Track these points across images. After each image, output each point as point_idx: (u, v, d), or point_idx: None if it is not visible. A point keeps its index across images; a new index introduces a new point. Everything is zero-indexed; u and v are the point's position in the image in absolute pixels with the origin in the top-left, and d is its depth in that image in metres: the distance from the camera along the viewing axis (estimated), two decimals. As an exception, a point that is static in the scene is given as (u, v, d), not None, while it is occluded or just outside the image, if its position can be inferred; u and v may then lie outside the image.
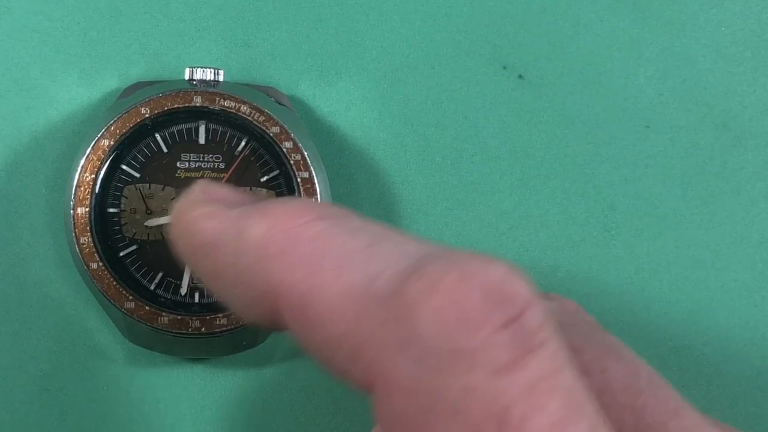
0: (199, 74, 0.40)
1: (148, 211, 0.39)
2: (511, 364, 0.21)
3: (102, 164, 0.39)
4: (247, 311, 0.25)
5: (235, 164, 0.40)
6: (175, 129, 0.40)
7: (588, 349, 0.26)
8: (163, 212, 0.39)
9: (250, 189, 0.40)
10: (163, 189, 0.39)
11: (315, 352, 0.23)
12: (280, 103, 0.41)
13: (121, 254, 0.39)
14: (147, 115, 0.39)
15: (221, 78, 0.41)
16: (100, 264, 0.38)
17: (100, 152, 0.39)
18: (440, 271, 0.21)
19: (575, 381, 0.21)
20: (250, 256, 0.23)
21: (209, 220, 0.24)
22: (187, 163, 0.40)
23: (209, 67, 0.40)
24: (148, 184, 0.39)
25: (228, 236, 0.24)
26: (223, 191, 0.26)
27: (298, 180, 0.40)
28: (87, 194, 0.39)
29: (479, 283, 0.21)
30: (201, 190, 0.26)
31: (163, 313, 0.39)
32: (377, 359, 0.22)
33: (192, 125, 0.40)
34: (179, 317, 0.39)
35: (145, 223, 0.39)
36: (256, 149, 0.40)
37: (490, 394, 0.20)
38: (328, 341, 0.23)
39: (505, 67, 0.44)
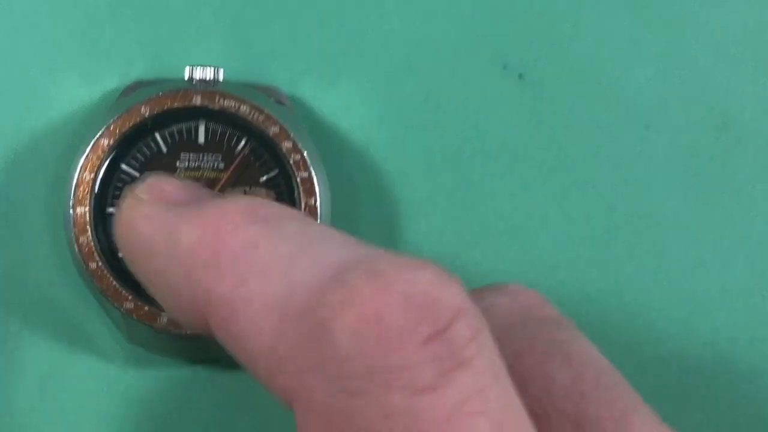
0: (198, 73, 0.40)
1: None
2: (433, 384, 0.19)
3: (101, 163, 0.39)
4: (181, 318, 0.24)
5: (234, 164, 0.40)
6: (174, 128, 0.40)
7: (532, 352, 0.24)
8: None
9: (249, 188, 0.40)
10: None
11: (242, 364, 0.23)
12: (280, 103, 0.41)
13: (121, 254, 0.39)
14: (146, 115, 0.39)
15: (221, 77, 0.40)
16: (99, 264, 0.38)
17: (99, 151, 0.39)
18: (358, 280, 0.20)
19: (506, 399, 0.20)
20: (180, 265, 0.22)
21: (145, 223, 0.24)
22: (186, 163, 0.40)
23: (209, 66, 0.40)
24: None
25: (160, 241, 0.23)
26: (170, 188, 0.25)
27: (298, 180, 0.40)
28: (86, 194, 0.38)
29: (401, 292, 0.20)
30: (145, 187, 0.25)
31: (163, 314, 0.38)
32: (293, 378, 0.21)
33: (191, 124, 0.40)
34: None
35: None
36: (255, 149, 0.40)
37: (410, 418, 0.19)
38: (250, 355, 0.22)
39: (505, 67, 0.44)
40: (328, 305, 0.20)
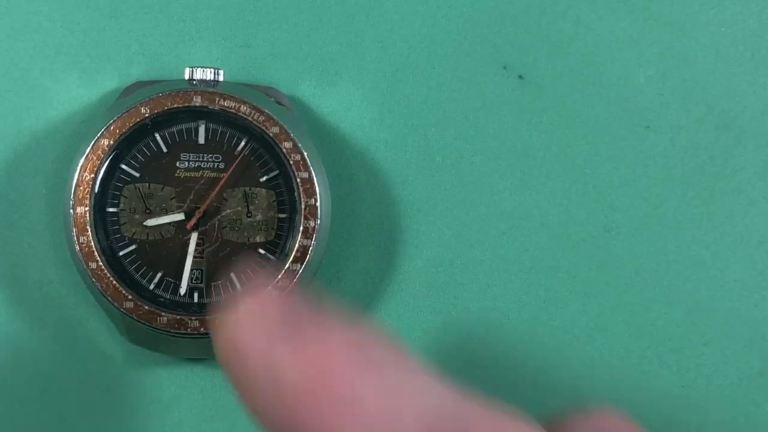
0: (199, 74, 0.40)
1: (148, 211, 0.39)
2: None
3: (102, 164, 0.39)
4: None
5: (234, 164, 0.40)
6: (174, 129, 0.40)
7: None
8: (163, 212, 0.39)
9: (249, 189, 0.40)
10: (162, 189, 0.39)
11: None
12: (279, 103, 0.41)
13: (121, 254, 0.39)
14: (147, 115, 0.39)
15: (221, 78, 0.41)
16: (100, 263, 0.38)
17: (99, 152, 0.39)
18: None
19: None
20: (282, 400, 0.23)
21: (250, 348, 0.24)
22: (186, 163, 0.40)
23: (209, 67, 0.40)
24: (147, 184, 0.39)
25: (264, 374, 0.23)
26: (275, 309, 0.24)
27: (298, 180, 0.40)
28: (86, 193, 0.39)
29: None
30: (246, 307, 0.24)
31: (162, 313, 0.39)
32: None
33: (192, 125, 0.40)
34: (178, 317, 0.39)
35: (145, 223, 0.39)
36: (255, 149, 0.40)
37: None
38: None
39: (505, 67, 0.44)
40: None
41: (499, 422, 0.22)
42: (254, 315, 0.24)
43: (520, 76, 0.44)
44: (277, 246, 0.40)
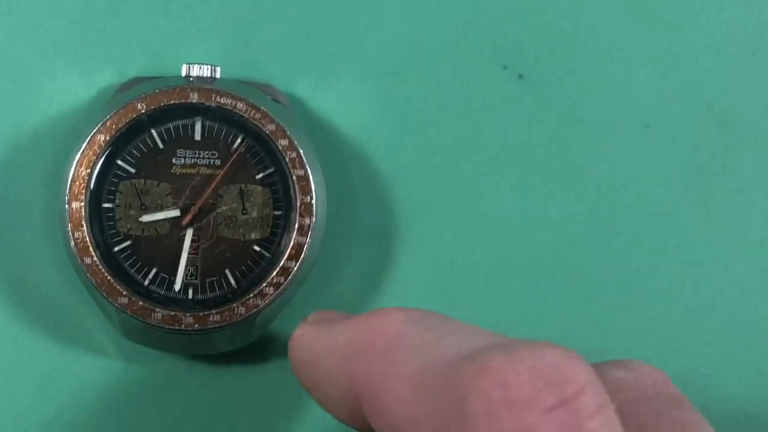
0: (195, 71, 0.40)
1: (143, 207, 0.39)
2: None
3: (97, 159, 0.39)
4: (340, 412, 0.28)
5: (230, 161, 0.40)
6: (171, 125, 0.40)
7: (659, 429, 0.26)
8: (158, 208, 0.39)
9: (245, 186, 0.40)
10: (158, 185, 0.39)
11: None
12: (276, 101, 0.41)
13: (116, 249, 0.39)
14: (143, 111, 0.39)
15: (218, 75, 0.41)
16: (94, 259, 0.38)
17: (95, 147, 0.39)
18: (492, 354, 0.22)
19: None
20: (337, 357, 0.27)
21: (311, 336, 0.29)
22: (182, 159, 0.40)
23: (206, 64, 0.41)
24: (143, 180, 0.39)
25: (322, 345, 0.28)
26: (332, 314, 0.30)
27: (294, 178, 0.40)
28: (82, 189, 0.39)
29: (529, 365, 0.22)
30: (313, 315, 0.31)
31: (157, 309, 0.38)
32: None
33: (188, 121, 0.40)
34: (173, 313, 0.39)
35: (140, 219, 0.39)
36: (251, 146, 0.40)
37: None
38: (394, 427, 0.24)
39: (505, 67, 0.44)
40: (463, 373, 0.22)
41: (542, 346, 0.23)
42: (317, 315, 0.30)
43: (520, 76, 0.44)
44: (273, 243, 0.40)
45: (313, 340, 0.29)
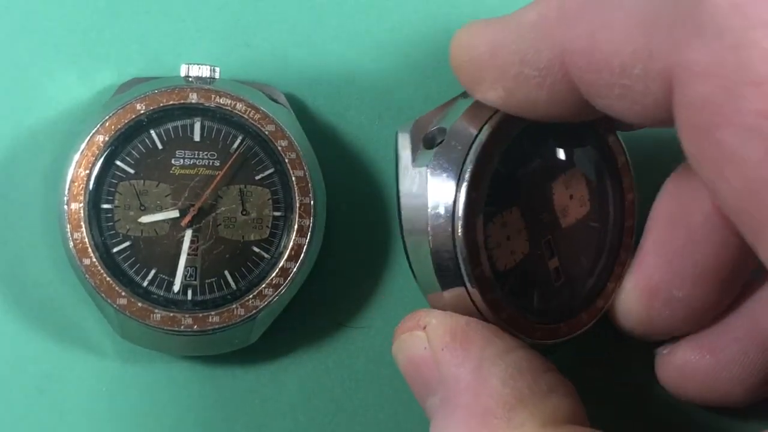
0: (195, 71, 0.40)
1: (142, 208, 0.39)
2: None
3: (96, 160, 0.39)
4: (539, 88, 0.32)
5: (229, 162, 0.40)
6: (170, 125, 0.40)
7: None
8: (157, 209, 0.39)
9: (244, 186, 0.40)
10: (157, 185, 0.39)
11: (612, 97, 0.29)
12: (276, 101, 0.41)
13: (115, 250, 0.39)
14: (142, 112, 0.39)
15: (217, 75, 0.41)
16: (93, 260, 0.38)
17: (94, 148, 0.39)
18: None
19: None
20: (534, 33, 0.32)
21: (482, 28, 0.34)
22: (181, 160, 0.40)
23: (205, 65, 0.40)
24: (142, 181, 0.39)
25: (503, 33, 0.33)
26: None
27: (293, 178, 0.40)
28: (81, 190, 0.38)
29: None
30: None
31: (156, 310, 0.38)
32: (672, 55, 0.25)
33: (187, 122, 0.40)
34: (171, 314, 0.39)
35: (139, 220, 0.39)
36: (251, 147, 0.40)
37: None
38: (622, 69, 0.27)
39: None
40: None
41: None
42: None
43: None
44: (272, 244, 0.40)
45: (490, 32, 0.33)
